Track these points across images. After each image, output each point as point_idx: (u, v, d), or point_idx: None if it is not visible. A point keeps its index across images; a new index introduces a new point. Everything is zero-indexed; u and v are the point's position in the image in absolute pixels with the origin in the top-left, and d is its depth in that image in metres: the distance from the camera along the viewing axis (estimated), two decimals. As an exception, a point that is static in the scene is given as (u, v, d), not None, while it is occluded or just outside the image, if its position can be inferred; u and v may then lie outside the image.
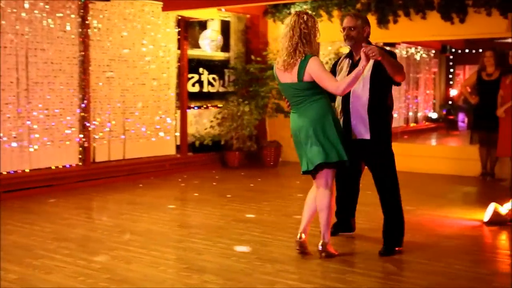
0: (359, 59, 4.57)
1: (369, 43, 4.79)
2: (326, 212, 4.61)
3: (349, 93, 4.74)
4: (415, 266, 4.56)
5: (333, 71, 5.08)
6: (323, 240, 4.66)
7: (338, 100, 4.98)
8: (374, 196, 5.04)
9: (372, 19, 9.51)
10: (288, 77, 4.59)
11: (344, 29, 4.89)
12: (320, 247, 4.66)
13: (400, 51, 14.66)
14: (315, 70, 4.46)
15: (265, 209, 6.68)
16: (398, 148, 9.74)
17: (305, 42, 4.50)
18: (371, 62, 4.60)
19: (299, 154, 4.70)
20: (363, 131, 4.84)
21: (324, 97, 4.61)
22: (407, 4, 9.20)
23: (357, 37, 4.84)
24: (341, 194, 5.27)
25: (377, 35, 9.77)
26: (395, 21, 9.38)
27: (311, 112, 4.56)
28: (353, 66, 4.84)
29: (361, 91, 4.78)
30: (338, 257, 4.70)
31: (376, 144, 4.86)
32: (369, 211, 6.00)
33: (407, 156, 9.25)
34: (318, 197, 4.65)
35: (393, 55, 4.83)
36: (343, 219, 5.41)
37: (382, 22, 9.46)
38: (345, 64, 4.99)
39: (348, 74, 4.72)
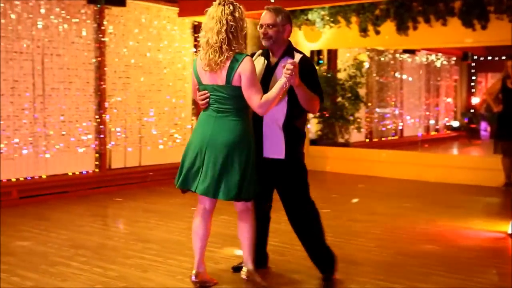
0: (276, 63, 4.16)
1: (293, 48, 4.29)
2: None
3: None
4: (434, 278, 4.44)
5: None
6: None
7: None
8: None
9: (391, 25, 9.42)
10: (213, 78, 3.92)
11: (261, 26, 4.18)
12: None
13: (420, 58, 14.54)
14: (247, 74, 3.82)
15: (283, 218, 6.56)
16: (418, 157, 9.74)
17: (231, 38, 3.82)
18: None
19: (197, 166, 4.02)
20: (277, 150, 4.17)
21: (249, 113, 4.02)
22: (427, 10, 9.08)
23: (276, 37, 4.18)
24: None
25: (397, 41, 9.71)
26: (415, 28, 9.26)
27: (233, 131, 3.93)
28: (268, 70, 4.22)
29: (277, 107, 4.06)
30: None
31: (290, 165, 4.22)
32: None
33: (428, 166, 9.14)
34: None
35: (312, 73, 4.21)
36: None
37: (402, 28, 9.35)
38: (260, 64, 4.26)
39: (263, 77, 4.17)
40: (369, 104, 12.99)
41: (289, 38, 4.33)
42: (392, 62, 13.58)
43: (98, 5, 7.79)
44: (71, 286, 4.20)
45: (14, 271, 4.54)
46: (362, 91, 11.55)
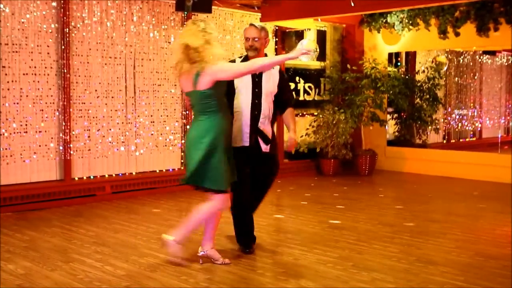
0: (260, 73, 4.93)
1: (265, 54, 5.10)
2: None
3: (259, 104, 4.96)
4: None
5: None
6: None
7: (240, 106, 4.99)
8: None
9: (471, 27, 9.36)
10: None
11: (247, 39, 5.00)
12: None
13: (501, 59, 14.21)
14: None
15: (360, 217, 6.75)
16: (497, 159, 9.61)
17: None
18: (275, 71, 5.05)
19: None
20: (264, 144, 5.03)
21: None
22: (509, 11, 8.95)
23: (259, 48, 4.99)
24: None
25: (477, 43, 9.62)
26: (496, 29, 9.16)
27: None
28: (253, 76, 4.97)
29: (267, 104, 5.01)
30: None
31: (273, 158, 5.18)
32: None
33: (507, 168, 9.00)
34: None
35: (288, 82, 5.47)
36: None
37: (482, 30, 9.26)
38: None
39: (246, 81, 4.96)
40: (448, 106, 12.86)
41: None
42: (471, 63, 13.38)
43: (186, 12, 8.14)
44: (158, 277, 4.46)
45: (107, 261, 4.86)
46: (440, 93, 11.49)
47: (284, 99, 5.15)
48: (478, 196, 8.21)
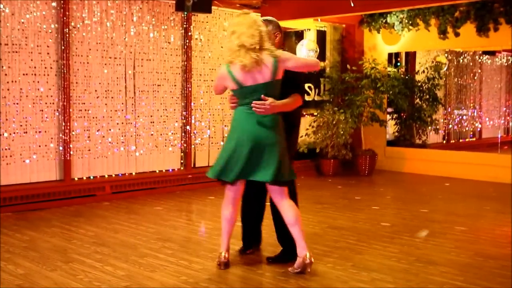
0: None
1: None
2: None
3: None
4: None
5: None
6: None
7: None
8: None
9: (471, 27, 9.37)
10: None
11: None
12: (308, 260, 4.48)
13: (501, 59, 14.22)
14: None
15: (360, 217, 6.75)
16: (497, 159, 9.61)
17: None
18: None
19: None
20: None
21: None
22: (509, 11, 8.96)
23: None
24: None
25: (477, 43, 9.62)
26: (496, 29, 9.17)
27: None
28: None
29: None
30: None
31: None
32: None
33: (507, 168, 9.01)
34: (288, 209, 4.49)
35: (296, 75, 4.57)
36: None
37: (482, 30, 9.27)
38: None
39: None
40: (447, 106, 12.86)
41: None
42: (471, 63, 13.39)
43: (185, 13, 8.15)
44: (158, 277, 4.46)
45: (107, 261, 4.85)
46: (440, 93, 11.49)
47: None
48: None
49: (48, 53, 7.25)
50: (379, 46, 10.61)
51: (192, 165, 8.73)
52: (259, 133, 4.35)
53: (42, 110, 7.24)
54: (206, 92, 8.86)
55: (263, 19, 4.63)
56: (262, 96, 4.30)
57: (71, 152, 7.43)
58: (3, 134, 6.93)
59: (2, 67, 6.88)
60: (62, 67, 7.31)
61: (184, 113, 8.57)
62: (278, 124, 4.43)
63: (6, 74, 6.91)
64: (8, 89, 6.95)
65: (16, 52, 6.98)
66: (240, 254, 5.07)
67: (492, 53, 13.31)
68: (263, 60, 4.26)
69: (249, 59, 4.22)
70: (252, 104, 4.30)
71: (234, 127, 4.49)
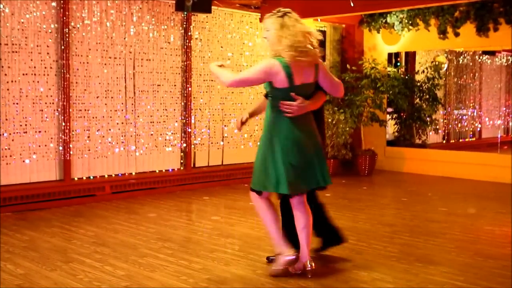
0: None
1: None
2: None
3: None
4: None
5: None
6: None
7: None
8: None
9: (471, 27, 9.37)
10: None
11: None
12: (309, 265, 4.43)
13: (500, 59, 14.24)
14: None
15: (360, 217, 6.75)
16: (497, 159, 9.62)
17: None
18: None
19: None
20: None
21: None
22: (509, 11, 8.96)
23: None
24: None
25: (477, 43, 9.63)
26: (496, 29, 9.17)
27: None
28: None
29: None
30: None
31: None
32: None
33: (507, 168, 9.01)
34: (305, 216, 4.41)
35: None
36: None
37: (482, 30, 9.27)
38: None
39: None
40: (447, 106, 12.87)
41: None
42: (471, 63, 13.40)
43: (185, 13, 8.15)
44: (159, 277, 4.46)
45: (107, 261, 4.84)
46: (440, 93, 11.50)
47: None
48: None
49: (48, 53, 7.25)
50: (379, 46, 10.62)
51: (192, 165, 8.73)
52: (304, 139, 4.26)
53: (42, 110, 7.24)
54: (206, 92, 8.86)
55: (267, 15, 4.47)
56: (293, 94, 4.17)
57: (71, 152, 7.43)
58: (3, 134, 6.93)
59: (2, 67, 6.88)
60: (62, 67, 7.31)
61: (184, 113, 8.57)
62: (314, 126, 4.39)
63: (6, 74, 6.91)
64: (8, 89, 6.94)
65: (16, 52, 6.98)
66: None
67: (492, 53, 13.32)
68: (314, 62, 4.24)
69: (310, 58, 4.17)
70: (281, 104, 4.19)
71: (272, 134, 4.28)
